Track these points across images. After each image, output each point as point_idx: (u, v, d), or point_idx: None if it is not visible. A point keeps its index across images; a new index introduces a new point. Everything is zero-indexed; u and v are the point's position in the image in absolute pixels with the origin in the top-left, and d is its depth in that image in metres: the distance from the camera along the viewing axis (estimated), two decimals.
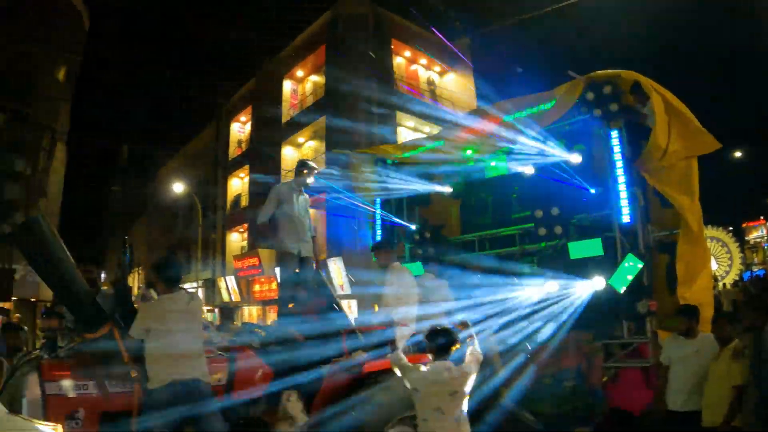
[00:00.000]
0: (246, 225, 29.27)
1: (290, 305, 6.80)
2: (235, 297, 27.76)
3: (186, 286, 32.47)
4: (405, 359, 4.58)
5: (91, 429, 4.49)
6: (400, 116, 22.44)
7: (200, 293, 30.11)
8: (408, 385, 4.37)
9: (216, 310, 28.16)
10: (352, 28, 23.10)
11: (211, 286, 30.35)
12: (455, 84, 24.40)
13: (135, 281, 41.08)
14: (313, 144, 25.73)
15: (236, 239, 31.19)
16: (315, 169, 7.85)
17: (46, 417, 4.23)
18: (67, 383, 4.48)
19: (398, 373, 4.55)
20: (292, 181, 7.73)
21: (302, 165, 7.77)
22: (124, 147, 45.92)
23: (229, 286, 28.30)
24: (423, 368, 4.34)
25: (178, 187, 28.74)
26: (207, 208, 31.13)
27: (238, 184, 31.80)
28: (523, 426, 6.87)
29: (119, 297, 5.69)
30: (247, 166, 30.00)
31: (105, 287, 6.75)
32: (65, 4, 25.35)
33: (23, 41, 19.98)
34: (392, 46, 23.64)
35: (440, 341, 4.39)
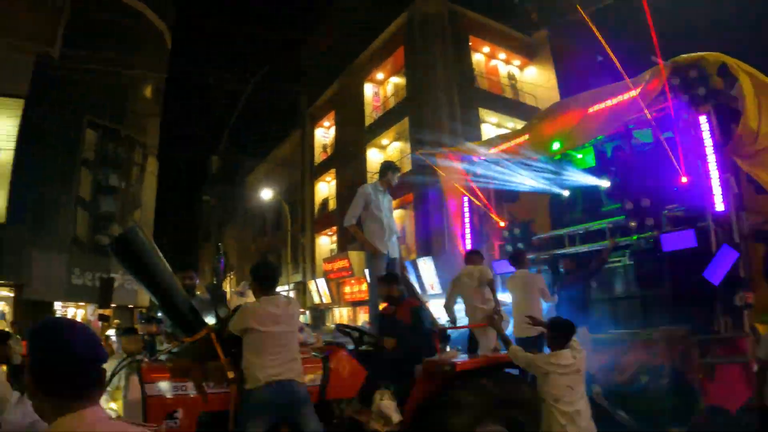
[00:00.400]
0: (335, 228, 29.57)
1: (381, 306, 6.74)
2: (326, 299, 28.06)
3: (279, 288, 33.50)
4: (523, 351, 5.05)
5: (189, 429, 4.65)
6: (483, 113, 22.29)
7: (292, 295, 30.87)
8: (539, 371, 4.77)
9: (307, 312, 28.84)
10: (429, 28, 23.11)
11: (301, 289, 31.02)
12: (536, 77, 24.08)
13: (228, 286, 42.41)
14: (398, 145, 25.81)
15: (325, 242, 31.54)
16: (399, 170, 7.89)
17: (146, 417, 4.44)
18: (165, 385, 4.64)
19: (520, 363, 5.03)
20: (377, 182, 7.72)
21: (387, 166, 7.81)
22: (214, 157, 47.57)
23: (319, 289, 28.64)
24: (545, 357, 4.83)
25: (267, 193, 29.49)
26: (295, 212, 31.83)
27: (325, 187, 32.18)
28: (617, 424, 6.79)
29: (215, 302, 5.91)
30: (333, 170, 30.37)
31: (199, 292, 6.92)
32: (147, 25, 26.45)
33: (112, 63, 20.96)
34: (470, 43, 23.51)
35: (562, 333, 4.84)
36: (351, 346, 5.98)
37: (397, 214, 24.46)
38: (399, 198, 22.78)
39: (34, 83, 21.30)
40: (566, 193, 10.40)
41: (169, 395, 4.62)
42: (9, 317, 20.36)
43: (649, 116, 7.54)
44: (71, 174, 23.18)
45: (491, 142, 11.03)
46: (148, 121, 27.91)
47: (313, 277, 30.11)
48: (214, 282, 7.32)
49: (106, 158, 24.70)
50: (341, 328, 6.59)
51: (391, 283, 6.48)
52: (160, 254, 4.98)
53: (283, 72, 30.77)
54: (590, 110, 8.38)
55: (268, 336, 4.73)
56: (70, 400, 1.67)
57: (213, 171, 49.40)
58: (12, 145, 21.03)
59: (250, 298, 5.85)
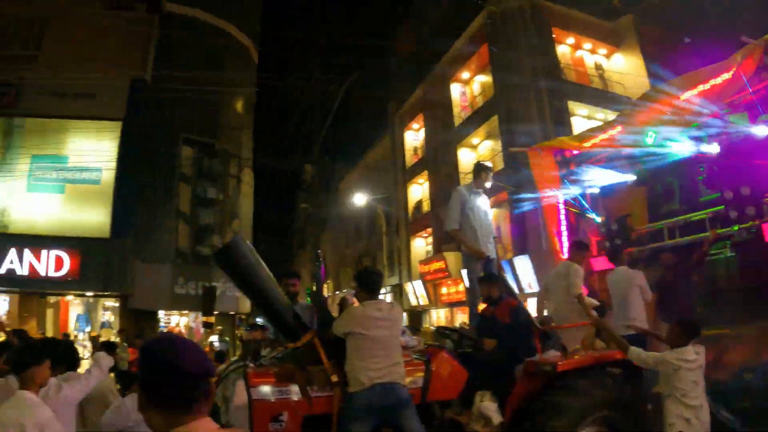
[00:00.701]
0: (429, 229, 29.51)
1: (480, 307, 6.78)
2: (423, 301, 28.04)
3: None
4: (644, 351, 5.30)
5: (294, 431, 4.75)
6: (572, 105, 21.70)
7: (389, 298, 31.13)
8: (669, 368, 4.98)
9: (404, 314, 28.98)
10: (511, 23, 22.80)
11: (398, 291, 31.21)
12: (623, 65, 23.20)
13: (326, 292, 43.12)
14: (489, 144, 25.55)
15: (420, 244, 31.50)
16: (491, 170, 7.90)
17: (252, 420, 4.59)
18: (270, 389, 4.76)
19: (647, 363, 5.21)
20: (471, 183, 7.78)
21: (480, 167, 7.82)
22: (307, 166, 48.55)
23: (416, 291, 28.66)
24: (674, 353, 5.04)
25: (360, 198, 29.85)
26: (390, 215, 32.07)
27: (418, 190, 32.21)
28: (719, 424, 6.49)
29: (317, 307, 6.11)
30: (425, 172, 30.34)
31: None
32: (233, 42, 27.30)
33: (202, 81, 21.86)
34: (554, 35, 22.94)
35: (689, 332, 5.11)
36: (451, 348, 5.95)
37: (491, 213, 24.30)
38: (493, 197, 22.51)
39: (130, 106, 22.53)
40: (662, 184, 10.11)
41: (274, 399, 4.74)
42: (115, 326, 21.48)
43: (744, 99, 7.26)
44: (170, 189, 24.18)
45: (583, 136, 10.84)
46: (241, 134, 28.69)
47: (410, 280, 30.18)
48: (315, 288, 6.93)
49: (203, 172, 25.64)
50: (441, 330, 6.62)
51: (491, 283, 6.50)
52: (263, 263, 5.15)
53: (370, 78, 31.08)
54: (682, 97, 8.12)
55: (372, 339, 4.82)
56: (181, 413, 1.76)
57: (307, 179, 50.40)
58: (113, 165, 22.21)
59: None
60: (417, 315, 28.38)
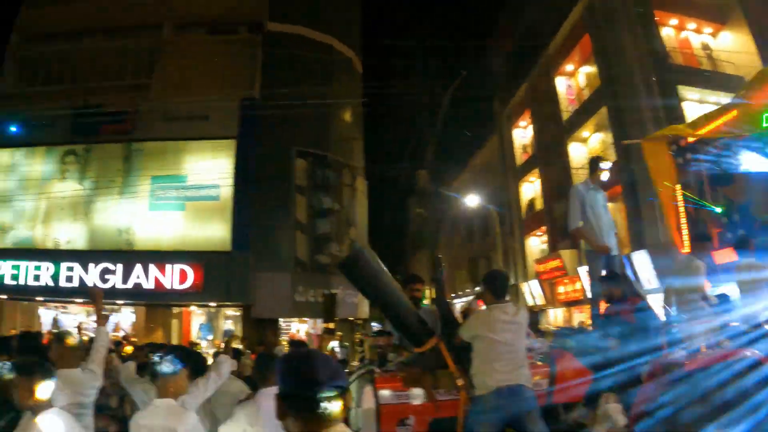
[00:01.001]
0: (543, 228, 29.24)
1: (603, 305, 6.81)
2: (540, 301, 27.82)
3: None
4: None
5: None
6: (682, 90, 20.56)
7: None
8: None
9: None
10: (611, 9, 22.22)
11: (514, 291, 30.77)
12: (732, 42, 21.76)
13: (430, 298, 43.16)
14: (600, 136, 24.86)
15: (535, 243, 31.19)
16: (608, 163, 7.89)
17: (379, 424, 4.75)
18: (397, 393, 4.94)
19: None
20: (587, 179, 7.80)
21: (595, 161, 7.88)
22: (421, 171, 48.75)
23: (532, 291, 28.51)
24: None
25: (472, 200, 29.83)
26: (502, 216, 31.93)
27: (530, 188, 31.91)
28: None
29: (441, 312, 6.10)
30: (536, 170, 30.06)
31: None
32: (337, 55, 27.96)
33: (310, 96, 22.51)
34: (656, 17, 21.80)
35: None
36: (574, 349, 5.93)
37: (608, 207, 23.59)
38: (607, 191, 21.85)
39: (242, 124, 23.55)
40: None
41: (400, 403, 4.89)
42: (238, 333, 22.31)
43: None
44: (287, 201, 24.86)
45: (697, 123, 10.33)
46: (352, 144, 29.30)
47: (525, 279, 29.94)
48: (436, 293, 7.31)
49: (318, 183, 26.20)
50: (562, 331, 6.61)
51: (613, 282, 6.50)
52: (386, 270, 5.23)
53: (474, 78, 31.04)
54: None
55: (498, 343, 4.82)
56: (317, 420, 1.94)
57: (421, 184, 50.71)
58: (230, 181, 23.18)
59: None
60: (534, 315, 27.96)
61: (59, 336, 5.18)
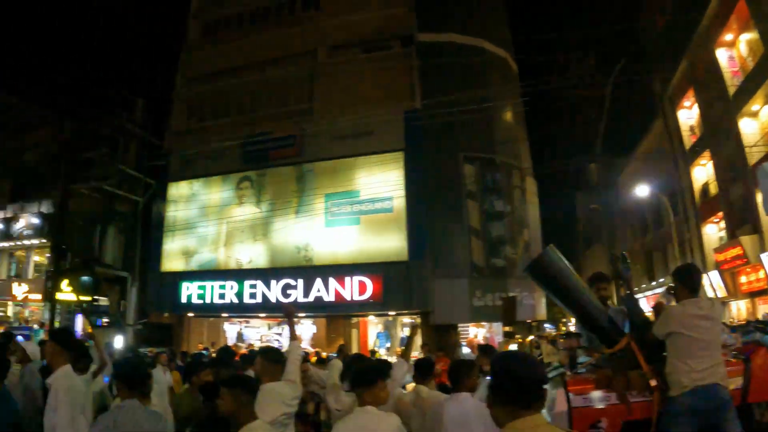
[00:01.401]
0: (720, 214, 28.71)
1: None
2: (721, 293, 27.28)
3: (664, 288, 33.11)
4: None
5: None
6: None
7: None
8: None
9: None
10: None
11: None
12: None
13: (613, 292, 43.31)
14: None
15: (712, 231, 30.71)
16: None
17: (572, 427, 4.94)
18: (590, 395, 5.17)
19: None
20: None
21: None
22: (592, 165, 49.41)
23: (712, 282, 27.95)
24: None
25: (642, 190, 29.72)
26: (675, 204, 31.46)
27: (702, 172, 31.44)
28: None
29: (630, 310, 6.23)
30: (707, 152, 29.62)
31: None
32: (491, 56, 29.21)
33: (470, 100, 23.86)
34: None
35: None
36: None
37: None
38: None
39: (408, 135, 25.56)
40: None
41: (592, 405, 5.14)
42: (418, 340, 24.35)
43: None
44: (459, 207, 26.20)
45: None
46: (518, 145, 30.27)
47: (705, 270, 28.94)
48: (625, 290, 7.34)
49: (488, 187, 27.32)
50: (756, 324, 6.86)
51: None
52: (573, 271, 5.52)
53: (629, 62, 31.35)
54: None
55: (693, 340, 4.98)
56: (520, 409, 2.44)
57: (593, 178, 50.98)
58: (402, 192, 25.12)
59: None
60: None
61: (265, 351, 5.87)
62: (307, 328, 27.69)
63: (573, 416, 5.04)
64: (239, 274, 27.55)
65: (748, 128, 25.03)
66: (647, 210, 36.25)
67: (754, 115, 25.11)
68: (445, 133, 25.24)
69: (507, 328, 22.36)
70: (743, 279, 25.29)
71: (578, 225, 59.22)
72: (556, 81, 27.43)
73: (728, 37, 26.25)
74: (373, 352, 21.21)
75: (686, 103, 32.20)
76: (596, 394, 5.18)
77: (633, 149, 40.50)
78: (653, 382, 5.06)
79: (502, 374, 2.51)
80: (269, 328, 29.04)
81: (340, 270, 25.43)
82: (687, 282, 5.29)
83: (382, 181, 25.27)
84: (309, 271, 26.06)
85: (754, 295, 24.80)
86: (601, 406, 5.13)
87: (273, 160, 28.05)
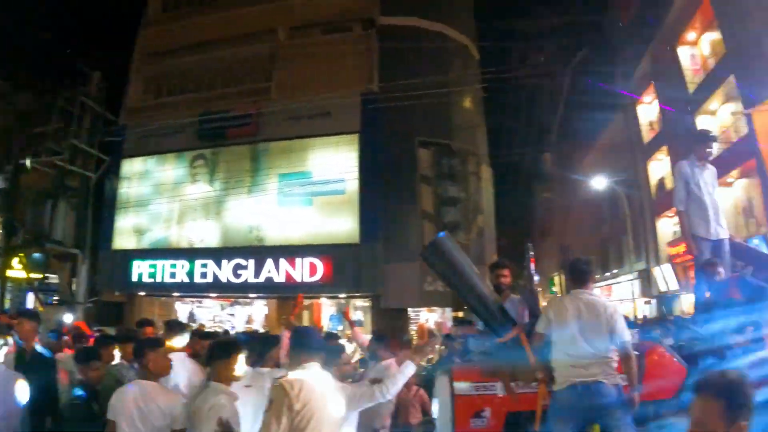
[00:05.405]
0: (675, 208, 28.23)
1: (707, 293, 6.53)
2: (673, 286, 27.21)
3: (622, 278, 33.04)
4: None
5: (496, 428, 4.95)
6: None
7: (636, 285, 30.68)
8: None
9: (653, 301, 28.22)
10: None
11: (645, 276, 30.67)
12: None
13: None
14: (731, 107, 24.16)
15: (667, 224, 30.47)
16: (714, 138, 7.67)
17: (455, 416, 4.86)
18: (474, 385, 5.00)
19: None
20: (692, 155, 7.46)
21: (698, 137, 7.70)
22: (546, 155, 48.94)
23: (665, 275, 27.98)
24: None
25: (599, 182, 30.01)
26: (631, 197, 31.54)
27: (659, 166, 31.48)
28: None
29: (528, 302, 6.16)
30: (664, 147, 29.71)
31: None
32: (452, 42, 28.49)
33: (428, 85, 23.16)
34: None
35: None
36: (671, 343, 5.85)
37: (741, 184, 23.12)
38: (740, 166, 21.59)
39: (364, 118, 24.73)
40: None
41: (476, 395, 4.97)
42: (366, 324, 23.37)
43: None
44: (413, 191, 25.59)
45: None
46: (475, 131, 29.82)
47: (657, 264, 29.57)
48: (526, 282, 6.94)
49: (443, 172, 26.77)
50: (658, 322, 6.44)
51: (714, 267, 6.40)
52: (467, 258, 5.47)
53: (593, 55, 30.94)
54: None
55: (572, 334, 4.83)
56: None
57: (546, 168, 50.65)
58: (355, 174, 24.37)
59: None
60: (668, 301, 27.52)
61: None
62: (258, 310, 26.93)
63: (456, 404, 4.89)
64: (191, 253, 26.49)
65: (705, 126, 24.34)
66: (604, 202, 35.91)
67: (712, 113, 25.37)
68: (402, 118, 24.42)
69: (457, 313, 21.77)
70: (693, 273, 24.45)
71: (535, 215, 58.71)
72: (518, 70, 26.71)
73: (691, 36, 26.53)
74: (331, 335, 20.43)
75: (647, 98, 32.25)
76: (481, 384, 5.02)
77: (592, 141, 40.37)
78: (539, 375, 4.91)
79: None
80: (222, 308, 27.93)
81: (291, 251, 24.63)
82: (572, 274, 5.21)
83: (337, 162, 24.61)
84: (260, 251, 25.21)
85: None
86: (485, 395, 4.97)
87: (229, 138, 26.96)
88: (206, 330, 12.40)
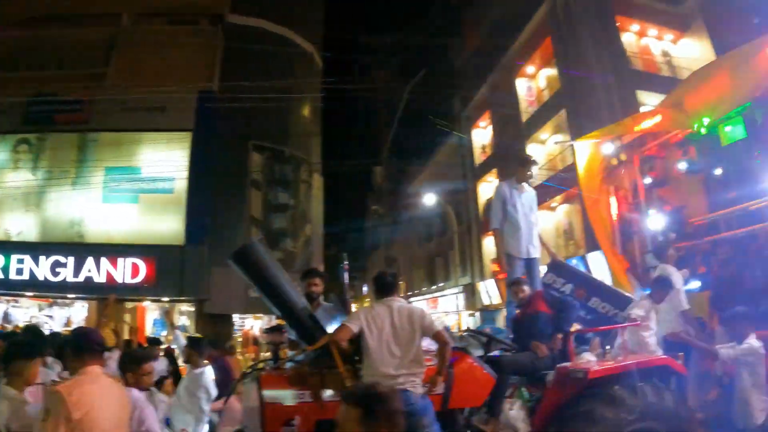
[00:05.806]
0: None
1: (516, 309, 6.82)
2: (495, 300, 28.05)
3: (448, 291, 33.92)
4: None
5: None
6: (641, 95, 21.52)
7: (461, 298, 31.59)
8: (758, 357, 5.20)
9: (477, 314, 29.24)
10: (573, 13, 23.10)
11: (470, 290, 31.62)
12: (692, 50, 22.74)
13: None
14: (559, 137, 25.39)
15: (491, 242, 30.03)
16: (534, 163, 7.89)
17: (263, 424, 4.72)
18: (284, 392, 4.87)
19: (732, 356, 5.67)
20: (512, 178, 7.75)
21: (519, 160, 7.88)
22: (377, 168, 49.40)
23: (488, 290, 28.85)
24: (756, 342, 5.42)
25: (430, 198, 30.52)
26: (460, 215, 32.57)
27: (488, 188, 31.96)
28: None
29: (339, 309, 6.26)
30: (494, 170, 30.65)
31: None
32: (296, 48, 28.28)
33: (268, 89, 22.80)
34: (617, 23, 22.85)
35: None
36: (477, 352, 5.86)
37: (563, 209, 24.47)
38: (564, 193, 22.69)
39: (199, 116, 23.84)
40: (719, 171, 9.77)
41: (286, 403, 4.85)
42: (191, 330, 22.59)
43: None
44: (242, 195, 25.21)
45: (626, 124, 10.58)
46: (310, 140, 29.79)
47: (482, 279, 30.55)
48: (339, 291, 7.28)
49: (274, 178, 26.64)
50: (470, 332, 6.56)
51: (518, 286, 6.64)
52: (279, 265, 5.48)
53: (434, 77, 31.72)
54: (733, 74, 8.02)
55: (381, 342, 4.88)
56: None
57: (377, 181, 51.25)
58: (185, 174, 23.43)
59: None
60: (490, 314, 28.55)
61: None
62: (78, 311, 24.47)
63: (265, 412, 4.76)
64: (6, 247, 23.81)
65: (534, 153, 25.47)
66: (434, 218, 36.71)
67: (542, 142, 26.68)
68: (238, 119, 23.96)
69: (280, 321, 21.48)
70: None
71: (364, 226, 59.43)
72: (358, 83, 26.87)
73: (530, 69, 27.73)
74: (153, 340, 19.35)
75: (482, 123, 33.41)
76: (290, 392, 4.91)
77: (426, 159, 41.14)
78: (348, 383, 4.78)
79: None
80: (40, 309, 25.43)
81: (113, 250, 23.10)
82: (377, 287, 5.26)
83: (167, 160, 23.30)
84: (81, 248, 23.34)
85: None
86: (294, 403, 4.87)
87: (57, 124, 24.94)
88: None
